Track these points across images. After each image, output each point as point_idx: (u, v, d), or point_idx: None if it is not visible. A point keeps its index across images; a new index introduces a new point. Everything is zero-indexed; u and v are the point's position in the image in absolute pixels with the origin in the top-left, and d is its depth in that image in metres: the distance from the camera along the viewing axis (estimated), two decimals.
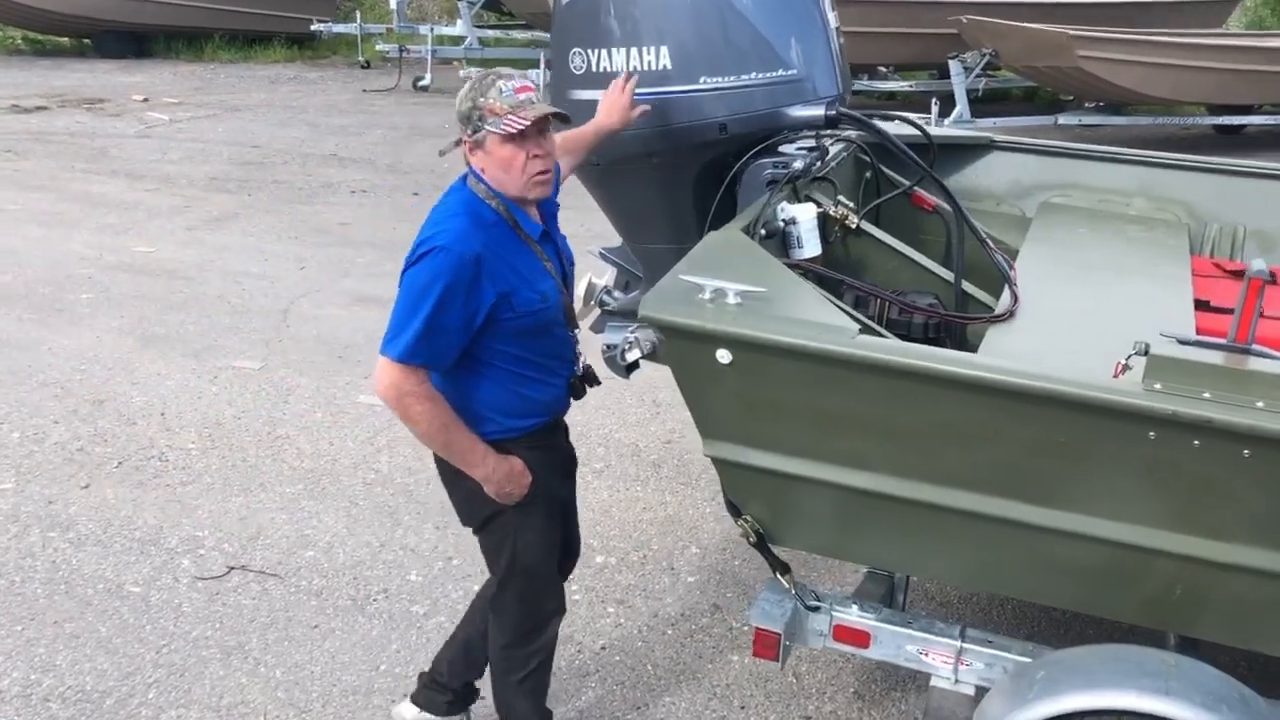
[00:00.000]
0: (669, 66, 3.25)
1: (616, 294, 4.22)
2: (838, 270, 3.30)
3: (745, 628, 3.70)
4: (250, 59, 16.13)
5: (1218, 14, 13.60)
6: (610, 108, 3.08)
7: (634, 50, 3.28)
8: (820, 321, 2.46)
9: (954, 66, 10.91)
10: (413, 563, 4.06)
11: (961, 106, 10.83)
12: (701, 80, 3.25)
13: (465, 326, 2.50)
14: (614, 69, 3.31)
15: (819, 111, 3.30)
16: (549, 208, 2.77)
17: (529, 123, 2.47)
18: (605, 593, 3.86)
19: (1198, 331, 3.05)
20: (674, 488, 4.58)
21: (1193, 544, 2.36)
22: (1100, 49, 10.16)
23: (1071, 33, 10.12)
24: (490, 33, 15.57)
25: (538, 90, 2.54)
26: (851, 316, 2.91)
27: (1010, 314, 3.11)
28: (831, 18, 3.39)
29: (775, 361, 2.46)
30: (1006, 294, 3.23)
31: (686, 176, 3.42)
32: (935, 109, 10.31)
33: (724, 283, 2.48)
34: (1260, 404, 2.13)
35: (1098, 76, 10.26)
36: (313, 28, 15.74)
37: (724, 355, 2.49)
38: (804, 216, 3.15)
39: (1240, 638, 2.51)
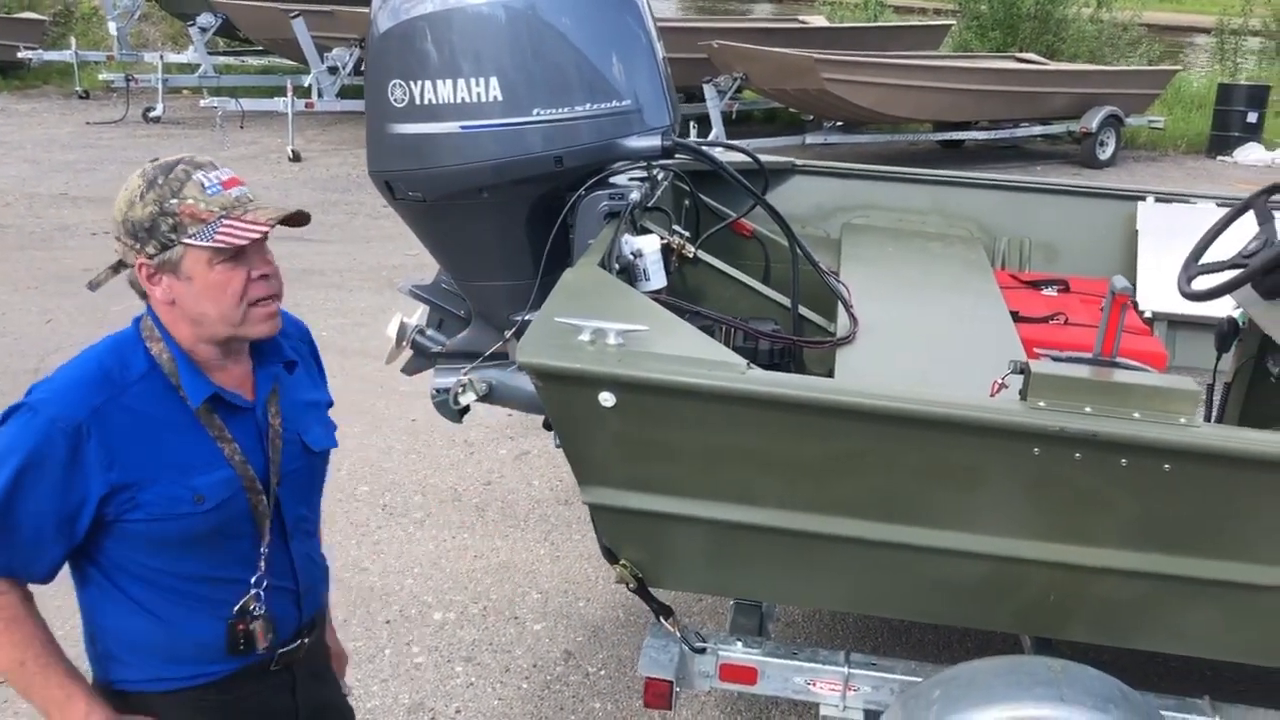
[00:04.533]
0: (499, 98, 3.12)
1: (431, 333, 4.02)
2: (685, 298, 3.28)
3: (602, 672, 3.59)
4: None
5: (936, 37, 14.70)
6: None
7: (461, 81, 3.14)
8: (709, 358, 2.40)
9: (708, 90, 11.24)
10: None
11: (718, 129, 11.17)
12: (535, 112, 3.14)
13: (59, 526, 1.73)
14: (440, 101, 3.15)
15: (654, 142, 3.25)
16: (274, 359, 1.94)
17: (264, 229, 1.76)
18: (450, 651, 3.66)
19: (1022, 342, 3.23)
20: (503, 531, 4.42)
21: (1068, 552, 2.45)
22: (843, 71, 10.73)
23: (817, 56, 10.65)
24: (225, 60, 14.77)
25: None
26: None
27: (853, 336, 3.17)
28: (659, 47, 3.36)
29: (663, 402, 2.39)
30: (844, 316, 3.29)
31: (520, 211, 3.29)
32: (694, 131, 10.58)
33: (603, 323, 2.38)
34: (1137, 414, 2.24)
35: (841, 97, 10.83)
36: (20, 55, 14.44)
37: (607, 399, 2.39)
38: (649, 248, 3.11)
39: (1108, 636, 2.63)
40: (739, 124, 13.01)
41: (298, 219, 1.86)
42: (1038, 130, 12.80)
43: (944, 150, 13.20)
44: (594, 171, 3.25)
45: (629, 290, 2.72)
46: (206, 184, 1.76)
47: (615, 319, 2.41)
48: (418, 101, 3.18)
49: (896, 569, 2.58)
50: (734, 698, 3.46)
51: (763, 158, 4.69)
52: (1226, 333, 2.96)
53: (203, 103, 11.94)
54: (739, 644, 2.77)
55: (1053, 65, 13.51)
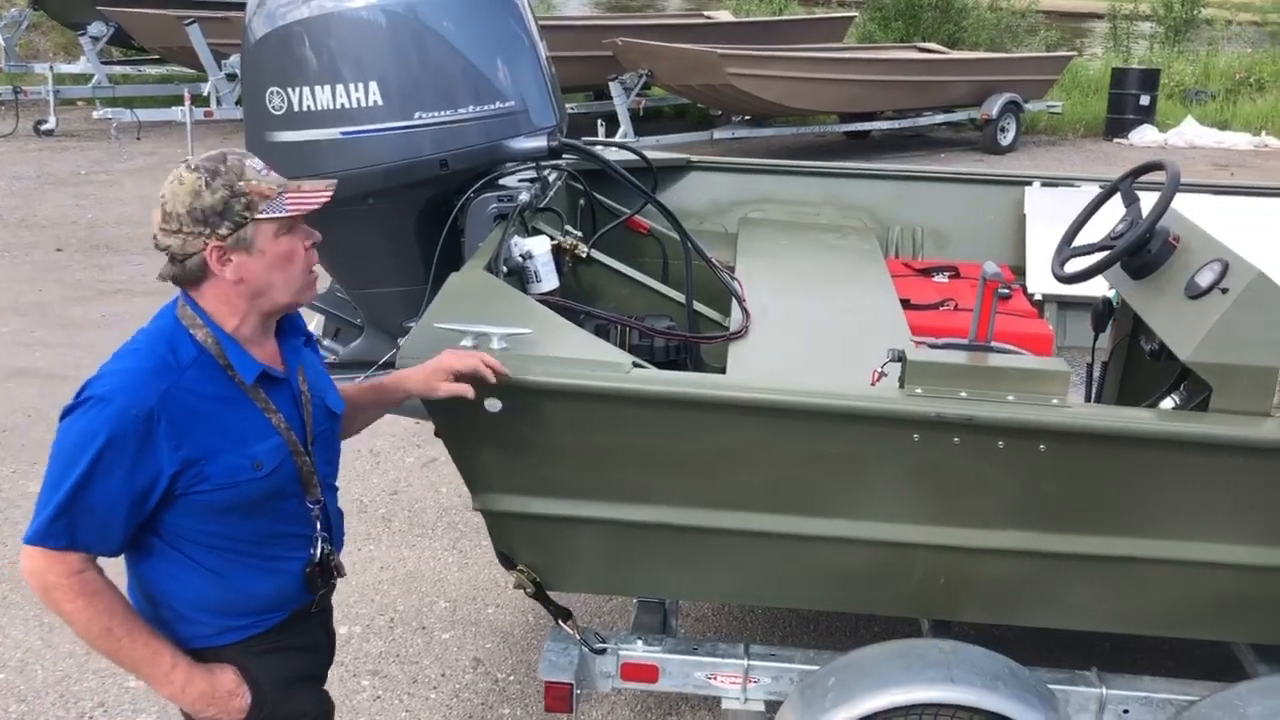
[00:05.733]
0: (379, 102, 3.09)
1: (328, 343, 3.97)
2: (573, 300, 3.26)
3: (511, 678, 3.57)
4: None
5: (839, 29, 14.88)
6: (429, 375, 2.27)
7: (340, 87, 3.09)
8: (593, 359, 2.39)
9: (614, 88, 11.24)
10: None
11: (625, 126, 11.17)
12: (417, 116, 3.11)
13: (133, 504, 1.89)
14: (319, 107, 3.10)
15: (541, 143, 3.24)
16: (294, 337, 2.12)
17: (325, 195, 1.96)
18: (356, 665, 3.60)
19: (911, 329, 3.28)
20: (410, 541, 4.37)
21: (954, 534, 2.50)
22: (747, 66, 10.81)
23: (721, 51, 10.71)
24: (120, 69, 14.38)
25: None
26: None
27: (746, 331, 3.19)
28: (542, 47, 3.35)
29: (550, 404, 2.38)
30: (737, 311, 3.31)
31: (408, 216, 3.26)
32: (602, 130, 10.60)
33: (485, 327, 2.37)
34: (1011, 397, 2.29)
35: (746, 92, 10.90)
36: None
37: (493, 404, 2.37)
38: (539, 249, 3.09)
39: (999, 615, 2.69)
40: (649, 120, 13.03)
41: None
42: (940, 119, 13.03)
43: (851, 141, 13.37)
44: (482, 174, 3.23)
45: (514, 293, 2.71)
46: (258, 168, 1.95)
47: (499, 323, 2.39)
48: (296, 108, 3.13)
49: (789, 559, 2.61)
50: (645, 696, 3.46)
51: (659, 155, 4.71)
52: (1102, 312, 3.04)
53: (96, 114, 11.61)
54: (640, 643, 2.77)
55: (953, 54, 13.78)
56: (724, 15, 15.37)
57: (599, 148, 3.55)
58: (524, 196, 3.20)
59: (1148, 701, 2.62)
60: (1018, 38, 18.25)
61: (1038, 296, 4.19)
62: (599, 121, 10.26)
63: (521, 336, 2.39)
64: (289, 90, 3.12)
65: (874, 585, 2.64)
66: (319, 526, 2.10)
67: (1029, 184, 4.34)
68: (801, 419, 2.36)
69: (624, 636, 2.79)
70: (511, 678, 3.57)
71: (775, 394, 2.33)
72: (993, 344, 2.41)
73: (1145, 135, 13.72)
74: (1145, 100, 13.94)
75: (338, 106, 3.09)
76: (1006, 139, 12.83)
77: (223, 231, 1.89)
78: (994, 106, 12.53)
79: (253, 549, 2.02)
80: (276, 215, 1.92)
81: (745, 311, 3.28)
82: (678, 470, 2.49)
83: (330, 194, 1.97)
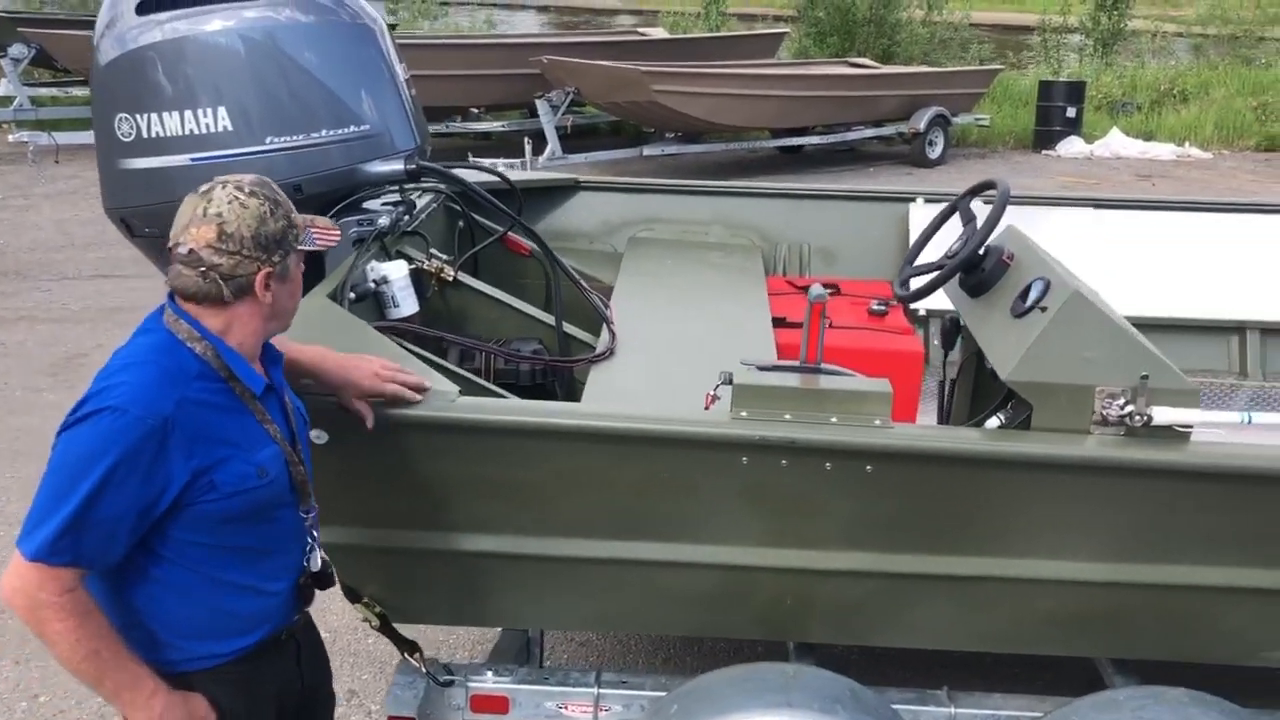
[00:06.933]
0: (230, 127, 3.04)
1: None
2: (441, 325, 3.22)
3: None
4: None
5: (771, 45, 14.98)
6: (362, 374, 2.30)
7: (189, 113, 3.04)
8: None
9: (541, 106, 11.24)
10: None
11: (553, 144, 11.16)
12: (268, 140, 3.06)
13: (141, 515, 1.88)
14: (168, 133, 3.05)
15: (398, 166, 3.20)
16: (272, 354, 2.16)
17: (337, 234, 2.14)
18: None
19: (779, 348, 3.27)
20: None
21: (793, 556, 2.49)
22: (672, 83, 10.84)
23: (645, 68, 10.73)
24: (45, 91, 14.15)
25: None
26: (456, 375, 2.85)
27: (610, 352, 3.17)
28: (400, 70, 3.31)
29: (373, 434, 2.34)
30: (605, 332, 3.29)
31: None
32: (529, 148, 10.57)
33: None
34: (834, 419, 2.29)
35: (672, 109, 10.94)
36: None
37: (319, 436, 2.34)
38: (396, 274, 3.06)
39: (847, 636, 2.68)
40: (584, 137, 13.03)
41: None
42: (869, 133, 13.14)
43: (784, 156, 13.44)
44: (341, 198, 3.19)
45: (353, 320, 2.67)
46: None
47: None
48: (145, 135, 3.07)
49: (634, 585, 2.59)
50: None
51: (548, 175, 4.69)
52: (949, 330, 3.06)
53: (11, 137, 11.41)
54: (490, 674, 2.74)
55: (883, 69, 13.91)
56: (658, 32, 15.42)
57: (461, 170, 3.51)
58: (384, 221, 3.17)
59: (995, 719, 2.62)
60: (951, 52, 18.47)
61: (922, 312, 4.21)
62: (526, 140, 10.21)
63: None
64: (138, 116, 3.05)
65: (722, 609, 2.62)
66: (311, 535, 2.15)
67: (913, 200, 4.37)
68: (631, 445, 2.34)
69: (474, 668, 2.76)
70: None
71: (602, 420, 2.31)
72: (821, 365, 2.40)
73: (1072, 147, 13.93)
74: (1072, 112, 14.15)
75: (187, 132, 3.04)
76: (935, 152, 12.96)
77: (275, 259, 1.99)
78: (921, 120, 12.66)
79: (248, 563, 2.04)
80: (309, 247, 2.06)
81: (612, 333, 3.27)
82: (515, 499, 2.46)
83: (340, 233, 2.17)
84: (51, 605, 1.84)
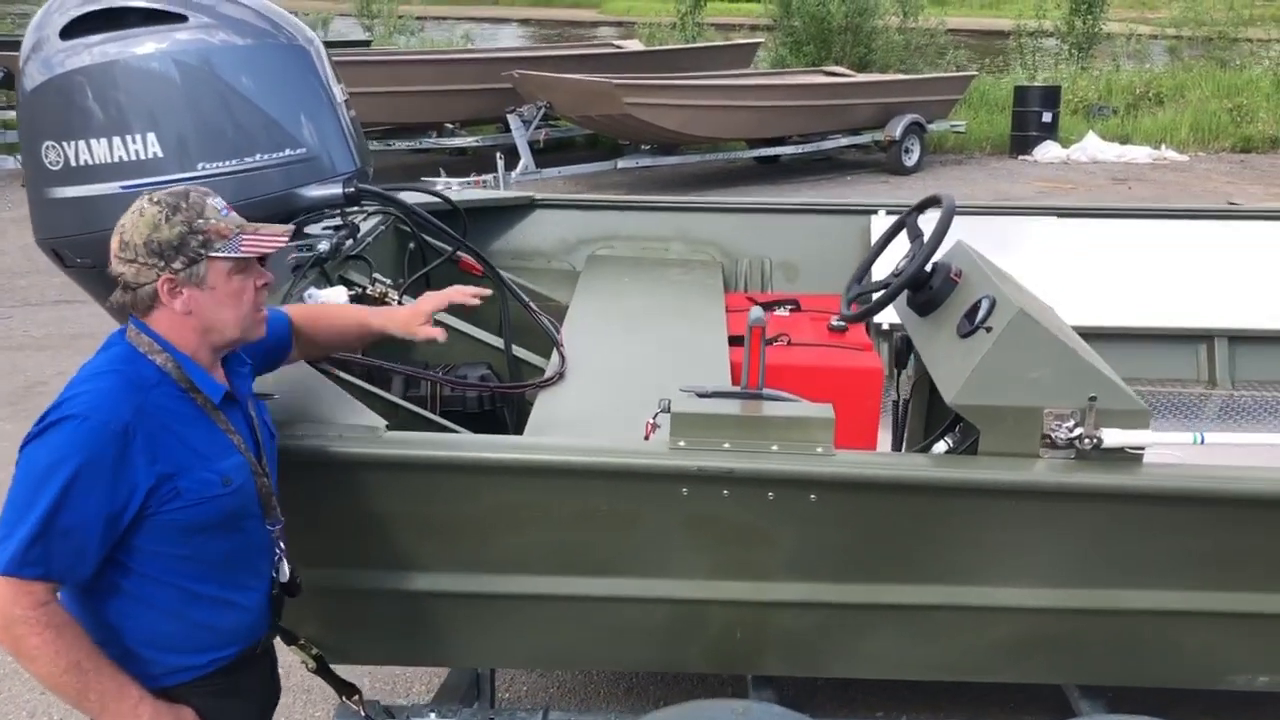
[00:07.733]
0: (160, 154, 2.95)
1: None
2: (386, 353, 3.13)
3: None
4: None
5: (746, 55, 14.94)
6: (409, 318, 2.49)
7: (118, 139, 2.95)
8: (345, 422, 2.28)
9: (513, 120, 11.17)
10: None
11: (525, 159, 11.08)
12: (200, 166, 2.97)
13: (109, 524, 1.87)
14: (96, 161, 2.96)
15: (336, 190, 3.12)
16: (238, 365, 2.16)
17: (280, 241, 2.05)
18: None
19: (734, 368, 3.19)
20: None
21: (740, 588, 2.41)
22: (645, 95, 10.78)
23: (617, 82, 10.66)
24: (10, 114, 13.99)
25: None
26: (395, 406, 2.76)
27: (560, 376, 3.08)
28: (338, 91, 3.23)
29: (300, 472, 2.25)
30: (555, 356, 3.21)
31: None
32: (501, 163, 10.49)
33: None
34: (774, 447, 2.20)
35: (645, 121, 10.87)
36: None
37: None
38: (334, 300, 2.97)
39: (800, 668, 2.60)
40: (560, 151, 12.96)
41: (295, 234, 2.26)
42: (845, 141, 13.09)
43: (761, 166, 13.38)
44: (279, 222, 3.11)
45: None
46: (219, 207, 2.01)
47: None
48: (73, 163, 2.98)
49: (579, 621, 2.50)
50: None
51: (504, 194, 4.61)
52: (901, 349, 2.98)
53: None
54: (432, 714, 2.65)
55: (857, 77, 13.87)
56: (633, 44, 15.37)
57: (403, 193, 3.42)
58: (324, 246, 3.09)
59: None
60: (928, 58, 18.46)
61: (885, 326, 4.14)
62: (499, 155, 10.15)
63: (270, 400, 2.27)
64: (64, 144, 2.96)
65: (671, 644, 2.54)
66: (279, 547, 2.13)
67: (874, 213, 4.31)
68: (567, 478, 2.26)
69: (415, 709, 2.66)
70: None
71: (533, 453, 2.23)
72: (763, 391, 2.32)
73: (1049, 151, 13.91)
74: (1048, 117, 14.13)
75: (116, 159, 2.95)
76: (911, 159, 12.92)
77: (176, 265, 1.95)
78: (897, 128, 12.62)
79: (218, 575, 2.03)
80: (231, 255, 1.98)
81: (562, 356, 3.19)
82: (450, 535, 2.38)
83: (286, 239, 2.08)
84: (26, 620, 1.83)
